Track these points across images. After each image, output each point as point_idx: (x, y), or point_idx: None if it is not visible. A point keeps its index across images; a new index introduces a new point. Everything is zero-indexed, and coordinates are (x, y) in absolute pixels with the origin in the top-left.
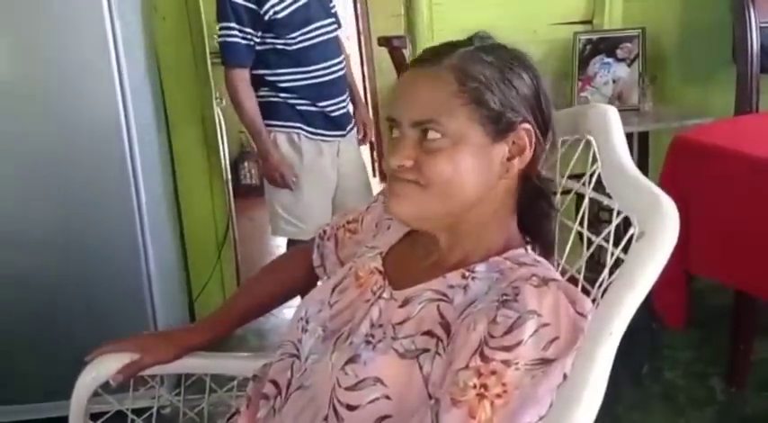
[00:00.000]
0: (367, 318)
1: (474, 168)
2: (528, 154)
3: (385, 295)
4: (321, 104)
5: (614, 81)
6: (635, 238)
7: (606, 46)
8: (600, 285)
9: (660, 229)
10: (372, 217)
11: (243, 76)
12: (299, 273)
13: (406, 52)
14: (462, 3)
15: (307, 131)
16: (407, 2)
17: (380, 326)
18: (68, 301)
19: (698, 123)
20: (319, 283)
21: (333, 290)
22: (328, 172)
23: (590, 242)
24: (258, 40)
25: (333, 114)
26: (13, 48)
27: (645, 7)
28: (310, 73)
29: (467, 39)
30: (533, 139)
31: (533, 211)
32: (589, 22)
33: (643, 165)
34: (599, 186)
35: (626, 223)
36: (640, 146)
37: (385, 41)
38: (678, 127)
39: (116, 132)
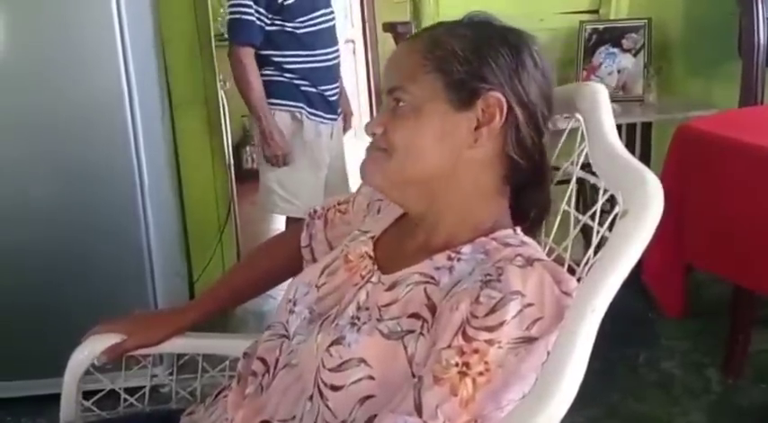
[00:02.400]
0: (354, 301)
1: (436, 135)
2: (497, 123)
3: (373, 279)
4: (321, 87)
5: (619, 71)
6: (619, 215)
7: (612, 36)
8: (586, 264)
9: (644, 207)
10: (363, 198)
11: (251, 54)
12: (292, 253)
13: None
14: None
15: (308, 112)
16: None
17: (367, 308)
18: (68, 279)
19: (702, 115)
20: (304, 263)
21: (322, 272)
22: (324, 152)
23: (577, 221)
24: (268, 22)
25: (330, 98)
26: (17, 25)
27: None
28: (314, 56)
29: (459, 19)
30: (504, 109)
31: (527, 194)
32: (595, 11)
33: (646, 155)
34: (586, 165)
35: (612, 203)
36: (643, 136)
37: (390, 27)
38: (682, 118)
39: (120, 112)
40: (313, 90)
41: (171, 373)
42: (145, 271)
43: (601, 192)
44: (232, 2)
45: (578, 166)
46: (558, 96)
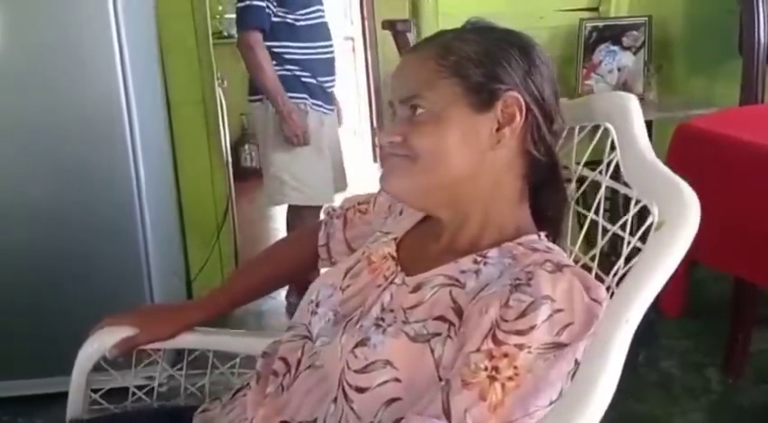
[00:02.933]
0: (378, 302)
1: (459, 139)
2: (518, 122)
3: (397, 281)
4: (321, 79)
5: (619, 69)
6: (654, 227)
7: (612, 34)
8: (615, 274)
9: (682, 219)
10: (385, 199)
11: (260, 40)
12: (304, 254)
13: (411, 36)
14: None
15: (311, 103)
16: None
17: (391, 310)
18: (65, 278)
19: (702, 113)
20: (320, 262)
21: (345, 274)
22: (326, 142)
23: (605, 231)
24: (273, 11)
25: (328, 90)
26: (14, 25)
27: None
28: (314, 48)
29: (460, 26)
30: (523, 109)
31: (544, 194)
32: (595, 9)
33: None
34: (614, 175)
35: (641, 213)
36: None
37: (389, 25)
38: (682, 116)
39: (117, 111)
40: (314, 81)
41: (180, 369)
42: (142, 270)
43: (633, 202)
44: None
45: (608, 175)
46: (586, 105)
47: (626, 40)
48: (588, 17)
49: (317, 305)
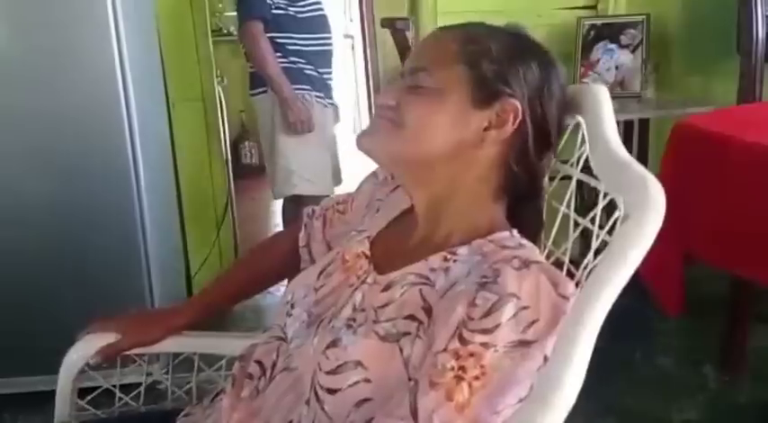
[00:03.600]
0: (350, 302)
1: (448, 122)
2: (507, 129)
3: (369, 280)
4: (322, 70)
5: (617, 67)
6: (620, 220)
7: (610, 32)
8: (585, 268)
9: (645, 212)
10: (363, 198)
11: (261, 29)
12: (288, 253)
13: (409, 35)
14: None
15: (315, 94)
16: None
17: (363, 310)
18: (64, 276)
19: (700, 111)
20: (302, 263)
21: (319, 274)
22: (330, 134)
23: (577, 225)
24: (275, 3)
25: (328, 82)
26: (11, 22)
27: None
28: (316, 40)
29: (504, 24)
30: (518, 119)
31: (520, 199)
32: (594, 7)
33: (643, 152)
34: (587, 168)
35: (610, 207)
36: (641, 133)
37: (388, 23)
38: (680, 115)
39: (115, 108)
40: (315, 74)
41: (167, 372)
42: (142, 267)
43: (601, 195)
44: None
45: (579, 168)
46: None
47: (624, 39)
48: (586, 15)
49: (292, 306)
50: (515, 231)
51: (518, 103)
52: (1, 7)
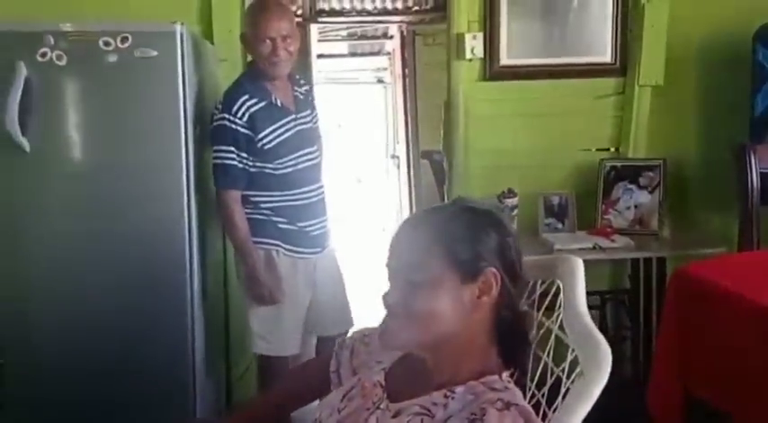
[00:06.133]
0: None
1: (449, 305)
2: (494, 293)
3: (382, 406)
4: (301, 224)
5: (636, 206)
6: (577, 374)
7: (629, 173)
8: (554, 410)
9: (595, 372)
10: None
11: (237, 197)
12: (320, 377)
13: (445, 165)
14: (495, 128)
15: (284, 248)
16: (447, 124)
17: None
18: (117, 384)
19: (713, 252)
20: (332, 386)
21: (343, 397)
22: (301, 288)
23: (553, 373)
24: (251, 164)
25: (312, 234)
26: (95, 159)
27: (668, 139)
28: (293, 196)
29: (450, 202)
30: (499, 281)
31: (510, 341)
32: (615, 149)
33: (660, 288)
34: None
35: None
36: (659, 270)
37: (427, 155)
38: (695, 254)
39: (179, 236)
40: (292, 227)
41: None
42: (188, 377)
43: (570, 350)
44: (215, 148)
45: (557, 325)
46: (544, 264)
47: (642, 180)
48: (608, 157)
49: (320, 422)
50: (505, 374)
51: (495, 270)
52: (81, 124)
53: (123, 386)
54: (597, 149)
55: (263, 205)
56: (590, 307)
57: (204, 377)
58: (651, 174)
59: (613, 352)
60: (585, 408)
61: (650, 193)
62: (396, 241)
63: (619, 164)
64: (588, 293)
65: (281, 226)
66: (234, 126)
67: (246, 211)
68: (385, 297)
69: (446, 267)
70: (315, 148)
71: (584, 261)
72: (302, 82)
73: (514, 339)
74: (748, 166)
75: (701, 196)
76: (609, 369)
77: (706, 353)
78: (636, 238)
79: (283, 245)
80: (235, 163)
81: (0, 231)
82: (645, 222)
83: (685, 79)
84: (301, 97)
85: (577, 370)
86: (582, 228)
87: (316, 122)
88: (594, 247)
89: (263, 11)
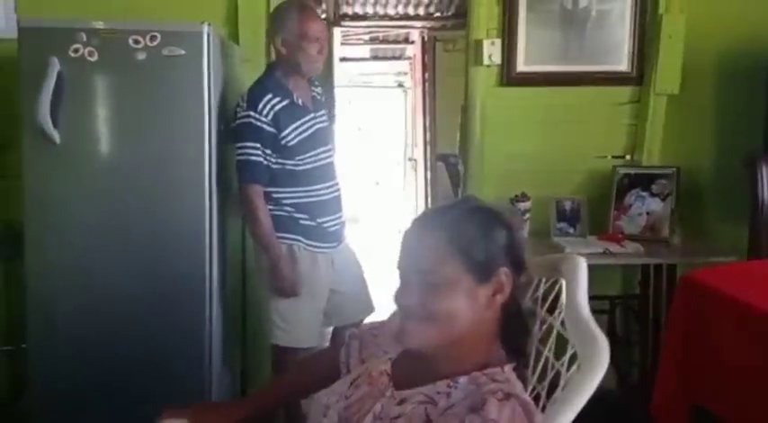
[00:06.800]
0: (371, 411)
1: (467, 305)
2: (507, 291)
3: (387, 394)
4: (320, 220)
5: (648, 213)
6: (574, 369)
7: (642, 181)
8: (553, 403)
9: (592, 366)
10: (394, 325)
11: (260, 192)
12: (330, 366)
13: (460, 168)
14: (511, 133)
15: (305, 243)
16: (463, 128)
17: (381, 419)
18: (136, 370)
19: (724, 261)
20: (341, 375)
21: (351, 384)
22: (322, 282)
23: (553, 367)
24: (273, 161)
25: (330, 229)
26: (121, 152)
27: (682, 148)
28: (313, 192)
29: (458, 201)
30: (511, 280)
31: (514, 335)
32: (630, 157)
33: (670, 293)
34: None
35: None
36: (668, 277)
37: (442, 158)
38: (704, 262)
39: (200, 234)
40: (311, 223)
41: None
42: (203, 364)
43: (569, 345)
44: (240, 144)
45: (559, 321)
46: (549, 263)
47: (655, 188)
48: (621, 164)
49: (327, 408)
50: (507, 367)
51: (507, 270)
52: (110, 117)
53: (141, 372)
54: (612, 156)
55: (284, 202)
56: (599, 311)
57: (220, 365)
58: (664, 181)
59: (622, 357)
60: (581, 399)
61: (662, 200)
62: (409, 242)
63: (632, 171)
64: (598, 298)
65: (302, 222)
66: (259, 123)
67: (269, 207)
68: (397, 297)
69: (462, 269)
70: (330, 146)
71: (595, 266)
72: (316, 83)
73: (518, 333)
74: (759, 178)
75: (714, 205)
76: (606, 363)
77: (710, 359)
78: (646, 244)
79: (304, 240)
80: (260, 159)
81: (28, 219)
82: (656, 229)
83: (701, 89)
84: (318, 97)
85: (577, 363)
86: (593, 233)
87: (330, 122)
88: (605, 253)
89: (306, 11)
